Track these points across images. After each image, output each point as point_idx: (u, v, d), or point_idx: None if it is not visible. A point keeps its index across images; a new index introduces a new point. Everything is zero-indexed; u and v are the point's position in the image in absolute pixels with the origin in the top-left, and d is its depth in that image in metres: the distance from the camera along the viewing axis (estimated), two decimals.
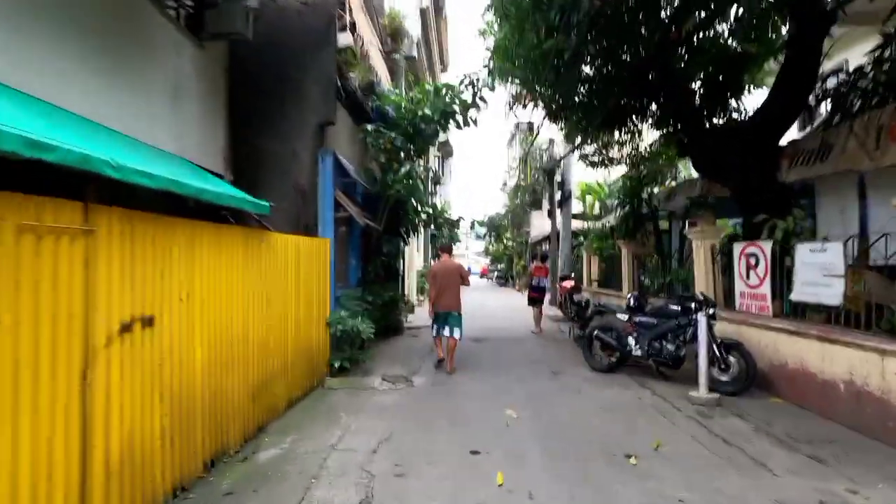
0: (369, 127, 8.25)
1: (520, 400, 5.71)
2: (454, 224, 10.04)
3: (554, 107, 10.51)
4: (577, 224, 17.88)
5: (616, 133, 11.93)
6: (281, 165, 6.59)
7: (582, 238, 18.46)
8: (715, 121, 8.71)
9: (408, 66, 13.19)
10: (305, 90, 6.75)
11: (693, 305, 6.38)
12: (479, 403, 5.59)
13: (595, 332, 7.13)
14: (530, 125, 27.29)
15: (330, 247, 6.79)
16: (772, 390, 5.90)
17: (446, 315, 7.44)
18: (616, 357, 7.01)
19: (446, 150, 32.78)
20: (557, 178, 17.82)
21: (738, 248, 6.70)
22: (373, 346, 8.84)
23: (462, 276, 7.63)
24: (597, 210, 18.84)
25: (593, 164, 14.14)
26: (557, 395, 5.99)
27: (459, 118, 8.82)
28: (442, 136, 28.83)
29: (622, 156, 13.44)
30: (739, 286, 6.68)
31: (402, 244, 11.20)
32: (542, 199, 28.57)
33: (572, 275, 14.40)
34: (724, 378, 5.91)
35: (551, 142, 18.11)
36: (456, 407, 5.47)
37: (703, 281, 7.47)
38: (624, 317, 7.05)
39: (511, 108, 10.50)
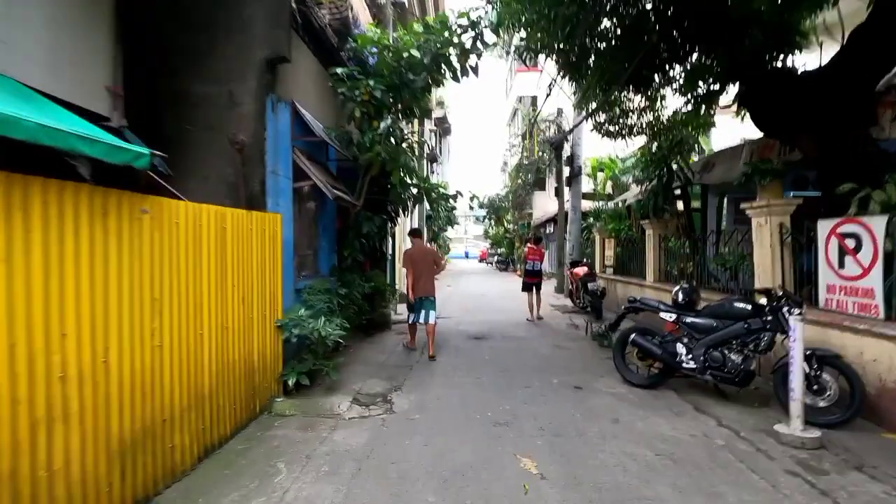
0: (340, 70, 6.47)
1: (538, 438, 4.09)
2: (450, 199, 8.36)
3: (571, 58, 8.75)
4: (586, 204, 16.17)
5: (637, 97, 10.24)
6: (211, 113, 4.86)
7: (592, 219, 16.81)
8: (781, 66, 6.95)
9: (397, 16, 11.32)
10: (246, 12, 4.99)
11: (768, 303, 4.75)
12: (482, 444, 3.97)
13: (632, 337, 5.49)
14: (534, 99, 25.40)
15: (282, 225, 5.10)
16: (883, 421, 4.29)
17: (422, 300, 7.27)
18: (659, 368, 5.39)
19: (444, 128, 30.91)
20: (566, 152, 16.06)
21: (824, 226, 5.03)
22: (350, 347, 7.24)
23: (436, 262, 7.59)
24: (608, 189, 17.11)
25: (609, 135, 12.42)
26: (588, 426, 4.36)
27: (456, 64, 7.06)
28: (439, 112, 26.91)
29: (642, 125, 11.74)
30: (828, 277, 5.02)
31: (388, 224, 9.50)
32: (546, 179, 26.85)
33: (585, 260, 12.74)
34: (819, 404, 4.30)
35: (559, 112, 16.29)
36: (448, 451, 3.84)
37: (767, 269, 5.82)
38: (669, 316, 5.41)
39: (521, 57, 8.67)
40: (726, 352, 4.89)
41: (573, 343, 8.12)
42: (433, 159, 23.81)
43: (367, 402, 5.00)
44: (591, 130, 12.63)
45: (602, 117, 12.26)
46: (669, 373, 5.33)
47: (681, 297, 5.42)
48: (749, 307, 4.88)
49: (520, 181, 28.12)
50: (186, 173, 4.73)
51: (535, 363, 6.67)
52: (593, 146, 16.94)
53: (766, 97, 6.20)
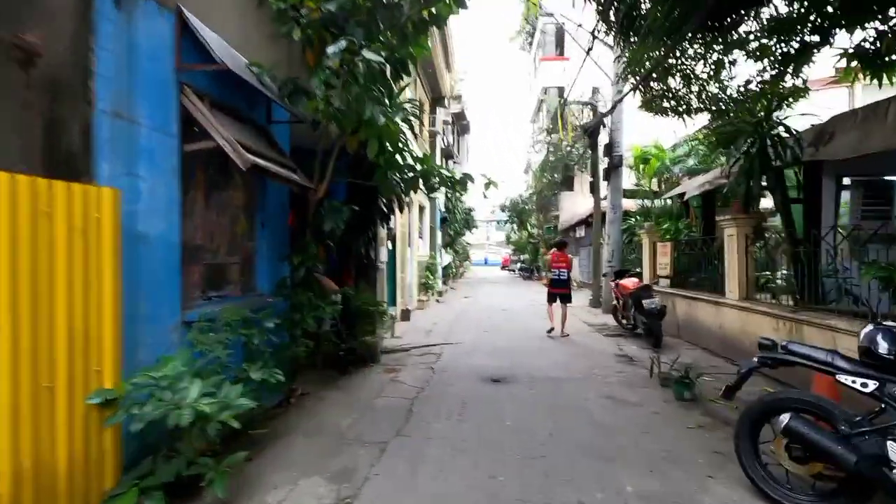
0: None
1: None
2: (455, 184, 5.94)
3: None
4: (627, 203, 13.55)
5: (700, 65, 7.84)
6: None
7: (636, 219, 14.16)
8: None
9: None
10: None
11: None
12: None
13: (787, 422, 2.86)
14: (560, 90, 22.87)
15: (118, 206, 2.76)
16: None
17: None
18: (838, 479, 2.82)
19: (462, 125, 28.60)
20: (602, 140, 13.52)
21: None
22: (298, 400, 4.88)
23: None
24: (653, 185, 14.42)
25: (662, 112, 9.92)
26: None
27: None
28: (456, 106, 24.73)
29: (707, 97, 9.19)
30: None
31: (377, 219, 7.16)
32: (574, 177, 24.21)
33: (636, 270, 10.11)
34: None
35: (595, 92, 13.73)
36: None
37: None
38: (859, 382, 2.83)
39: None
40: None
41: (635, 392, 5.54)
42: (449, 156, 21.48)
43: None
44: (640, 107, 10.10)
45: (655, 89, 9.76)
46: (861, 492, 2.75)
47: (884, 346, 2.82)
48: None
49: (545, 180, 25.53)
50: None
51: (587, 439, 4.15)
52: (634, 133, 14.33)
53: None
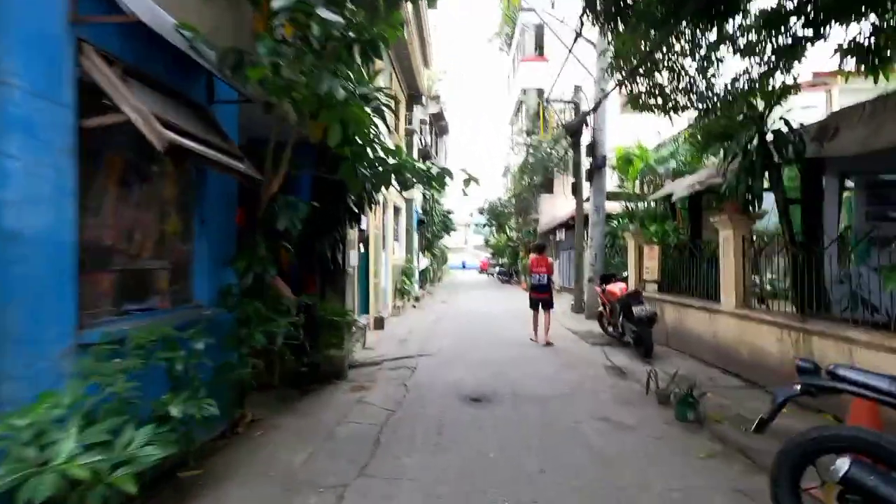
0: None
1: None
2: (433, 179, 5.27)
3: None
4: (609, 206, 13.08)
5: (687, 60, 7.52)
6: None
7: (619, 222, 13.75)
8: None
9: None
10: None
11: None
12: None
13: (848, 470, 2.25)
14: (540, 92, 22.48)
15: None
16: None
17: None
18: None
19: (440, 126, 27.97)
20: (585, 140, 13.07)
21: None
22: (264, 420, 4.15)
23: None
24: (635, 187, 14.00)
25: (647, 109, 9.50)
26: None
27: None
28: (434, 107, 24.08)
29: (696, 93, 8.82)
30: None
31: (345, 218, 6.46)
32: (554, 179, 23.85)
33: (622, 274, 9.62)
34: None
35: (577, 91, 13.28)
36: None
37: None
38: None
39: None
40: None
41: (632, 411, 4.96)
42: (426, 156, 20.82)
43: None
44: (625, 104, 9.69)
45: (641, 86, 9.35)
46: None
47: None
48: None
49: (524, 183, 25.11)
50: None
51: (586, 475, 3.51)
52: (616, 135, 13.94)
53: None
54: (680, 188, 9.09)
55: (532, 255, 9.86)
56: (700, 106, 9.34)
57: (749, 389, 5.78)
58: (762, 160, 5.79)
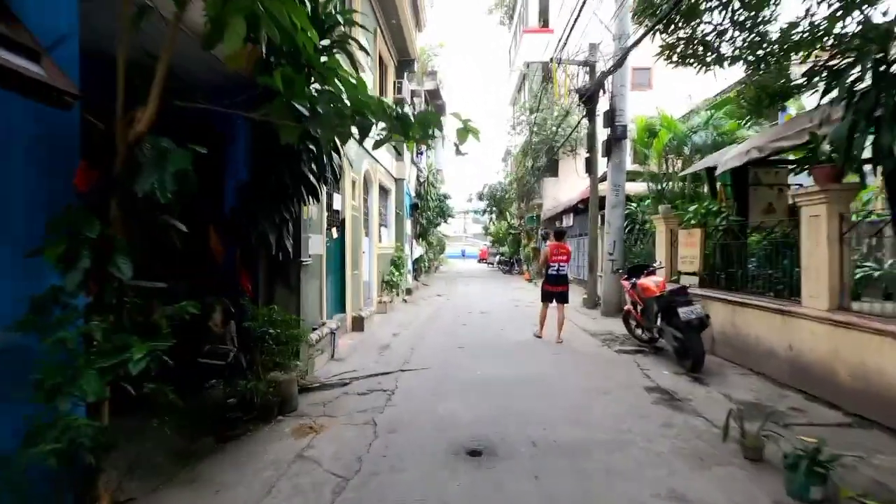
0: None
1: None
2: (410, 128, 3.50)
3: None
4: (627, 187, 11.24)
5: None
6: None
7: (636, 205, 11.96)
8: None
9: None
10: None
11: None
12: None
13: None
14: (545, 66, 20.50)
15: None
16: None
17: None
18: None
19: (436, 104, 25.94)
20: (602, 107, 11.23)
21: None
22: (138, 500, 2.36)
23: None
24: (661, 165, 12.10)
25: (684, 61, 7.84)
26: None
27: None
28: (430, 83, 22.07)
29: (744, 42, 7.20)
30: None
31: (303, 194, 4.69)
32: (559, 161, 22.02)
33: (657, 263, 7.84)
34: None
35: (592, 49, 11.40)
36: None
37: None
38: None
39: None
40: None
41: (714, 478, 3.21)
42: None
43: None
44: (657, 55, 7.88)
45: (681, 31, 7.73)
46: None
47: None
48: None
49: (527, 166, 23.26)
50: None
51: None
52: (633, 103, 12.06)
53: None
54: (728, 157, 7.28)
55: (550, 242, 8.48)
56: (751, 57, 7.63)
57: (862, 430, 4.07)
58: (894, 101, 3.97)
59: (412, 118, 3.46)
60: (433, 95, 23.52)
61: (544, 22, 24.20)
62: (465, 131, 3.52)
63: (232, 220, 4.65)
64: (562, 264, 7.79)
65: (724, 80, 8.69)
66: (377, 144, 3.62)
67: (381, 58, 11.75)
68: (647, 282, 6.88)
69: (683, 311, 5.76)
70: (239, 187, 4.76)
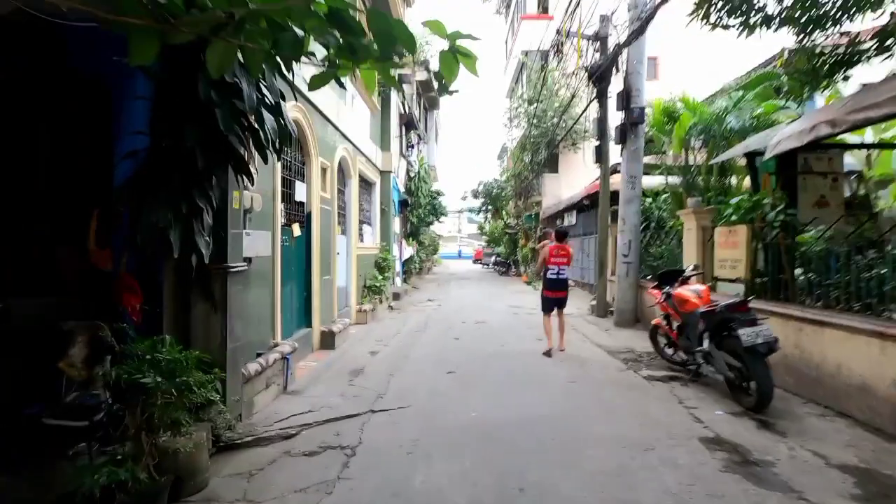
0: None
1: None
2: (383, 41, 2.13)
3: None
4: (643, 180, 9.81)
5: None
6: None
7: (652, 200, 10.57)
8: None
9: None
10: None
11: None
12: None
13: None
14: (545, 55, 19.12)
15: None
16: None
17: None
18: None
19: (429, 97, 24.51)
20: (613, 88, 9.83)
21: None
22: None
23: None
24: (669, 158, 10.68)
25: (721, 23, 6.55)
26: None
27: None
28: (422, 74, 20.52)
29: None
30: None
31: (230, 170, 3.24)
32: (559, 155, 20.66)
33: (696, 267, 6.39)
34: None
35: (604, 21, 9.98)
36: None
37: None
38: None
39: None
40: None
41: None
42: (411, 125, 17.42)
43: None
44: (691, 14, 6.49)
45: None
46: None
47: None
48: None
49: (525, 161, 21.86)
50: None
51: None
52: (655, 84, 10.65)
53: None
54: (783, 137, 5.85)
55: (549, 243, 7.35)
56: (803, 18, 6.35)
57: None
58: None
59: (363, 25, 2.00)
60: (426, 87, 22.08)
61: (543, 8, 22.85)
62: (454, 58, 2.07)
63: (114, 208, 3.19)
64: (562, 267, 6.99)
65: (744, 62, 7.31)
66: (316, 81, 2.16)
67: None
68: (686, 292, 5.46)
69: (746, 334, 4.34)
70: (129, 161, 3.30)
